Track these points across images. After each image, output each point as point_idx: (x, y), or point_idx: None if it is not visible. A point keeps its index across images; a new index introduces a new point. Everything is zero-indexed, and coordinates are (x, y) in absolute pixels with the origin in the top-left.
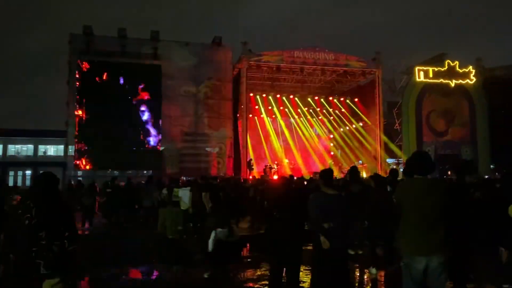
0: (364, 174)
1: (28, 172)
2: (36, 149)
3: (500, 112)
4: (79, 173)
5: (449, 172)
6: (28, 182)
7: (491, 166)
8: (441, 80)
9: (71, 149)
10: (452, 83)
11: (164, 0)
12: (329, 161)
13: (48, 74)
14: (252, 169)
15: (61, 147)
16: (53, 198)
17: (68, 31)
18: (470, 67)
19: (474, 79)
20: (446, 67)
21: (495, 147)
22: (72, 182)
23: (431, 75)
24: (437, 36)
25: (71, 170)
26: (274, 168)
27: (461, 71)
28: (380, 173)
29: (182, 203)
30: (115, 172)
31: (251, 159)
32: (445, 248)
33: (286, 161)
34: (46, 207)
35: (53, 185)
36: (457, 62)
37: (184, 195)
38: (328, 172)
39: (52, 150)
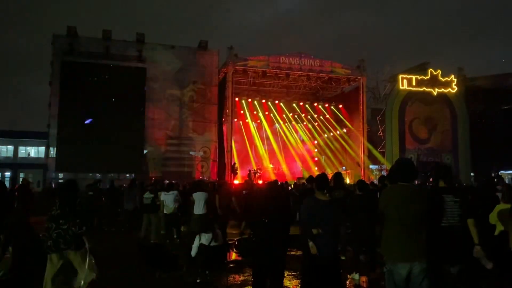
0: (347, 180)
1: (8, 173)
2: (16, 150)
3: (481, 121)
4: (60, 175)
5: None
6: (7, 184)
7: (471, 174)
8: (424, 88)
9: (53, 151)
10: (435, 91)
11: (151, 3)
12: (313, 168)
13: (30, 74)
14: (236, 173)
15: (42, 148)
16: (71, 197)
17: (51, 31)
18: (452, 76)
19: (456, 88)
20: (429, 75)
21: (475, 155)
22: (53, 185)
23: (414, 83)
24: (420, 45)
25: (52, 172)
26: (258, 172)
27: (443, 80)
28: (363, 179)
29: (165, 207)
30: (97, 174)
31: (235, 163)
32: (427, 254)
33: (270, 166)
34: (66, 203)
35: (72, 188)
36: (439, 71)
37: (168, 199)
38: (322, 177)
39: (33, 151)
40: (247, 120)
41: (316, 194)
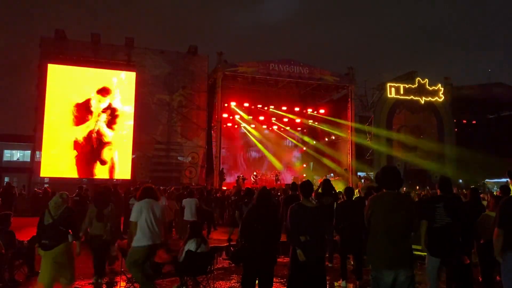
0: (336, 187)
1: None
2: (1, 154)
3: (467, 130)
4: (46, 179)
5: (417, 187)
6: None
7: (460, 180)
8: (412, 97)
9: (38, 155)
10: (422, 100)
11: (140, 7)
12: (304, 174)
13: (17, 77)
14: (224, 179)
15: (28, 152)
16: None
17: (40, 34)
18: (439, 85)
19: (443, 97)
20: (417, 84)
21: (462, 163)
22: (37, 189)
23: (402, 92)
24: (408, 54)
25: (38, 177)
26: (246, 179)
27: (430, 88)
28: (351, 187)
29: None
30: (83, 179)
31: (223, 169)
32: (412, 261)
33: (254, 173)
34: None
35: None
36: (427, 80)
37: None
38: (306, 184)
39: (18, 155)
40: (236, 126)
41: (302, 200)
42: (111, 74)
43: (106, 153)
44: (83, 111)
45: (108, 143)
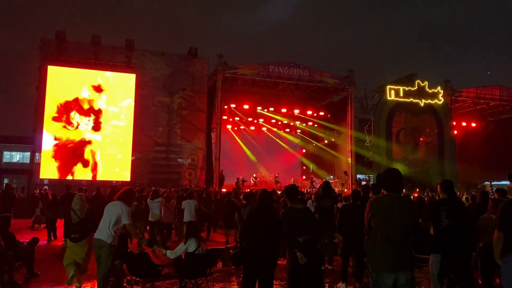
0: (335, 189)
1: None
2: (0, 155)
3: (466, 133)
4: (46, 181)
5: (417, 190)
6: None
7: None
8: (411, 99)
9: (38, 157)
10: (422, 102)
11: (141, 9)
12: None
13: (17, 77)
14: (223, 181)
15: (28, 154)
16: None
17: (40, 35)
18: (439, 88)
19: (442, 100)
20: (416, 87)
21: (461, 166)
22: (36, 191)
23: (401, 94)
24: (408, 56)
25: (38, 179)
26: (246, 181)
27: (430, 91)
28: (357, 189)
29: (152, 215)
30: (83, 181)
31: (222, 171)
32: (413, 264)
33: (254, 175)
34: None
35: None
36: (426, 83)
37: (155, 207)
38: (291, 188)
39: (18, 156)
40: (236, 128)
41: (291, 204)
42: (111, 76)
43: (106, 155)
44: (82, 112)
45: (108, 145)
